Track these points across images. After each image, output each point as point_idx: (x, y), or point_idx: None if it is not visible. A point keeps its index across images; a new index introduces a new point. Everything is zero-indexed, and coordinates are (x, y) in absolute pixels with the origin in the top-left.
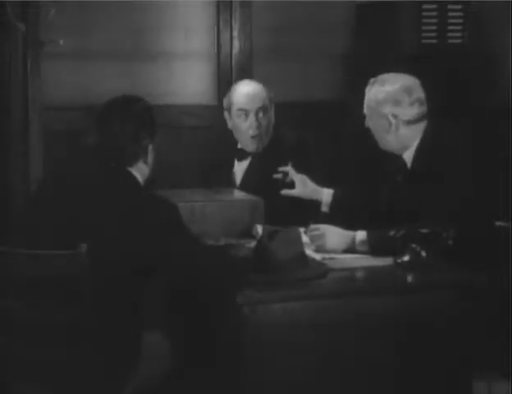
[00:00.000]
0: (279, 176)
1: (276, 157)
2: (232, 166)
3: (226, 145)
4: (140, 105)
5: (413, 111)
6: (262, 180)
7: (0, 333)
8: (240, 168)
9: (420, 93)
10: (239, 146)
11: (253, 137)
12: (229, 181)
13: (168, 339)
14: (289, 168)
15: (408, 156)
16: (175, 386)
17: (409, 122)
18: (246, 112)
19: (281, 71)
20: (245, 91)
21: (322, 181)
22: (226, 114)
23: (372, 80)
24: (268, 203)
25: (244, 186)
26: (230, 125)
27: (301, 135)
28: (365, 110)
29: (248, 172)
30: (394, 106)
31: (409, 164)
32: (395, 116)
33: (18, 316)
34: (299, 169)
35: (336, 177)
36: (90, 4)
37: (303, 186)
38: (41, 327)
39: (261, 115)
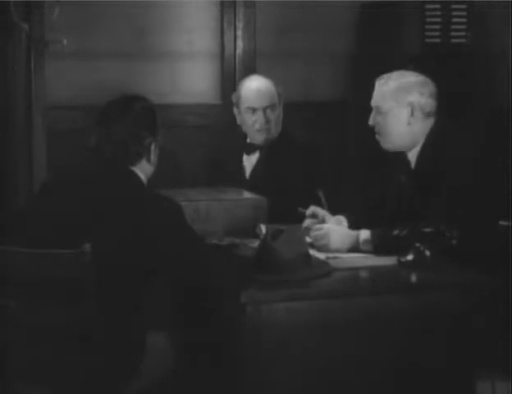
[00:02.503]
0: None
1: (285, 154)
2: (237, 165)
3: (234, 140)
4: (141, 104)
5: (432, 103)
6: (271, 176)
7: (0, 333)
8: (248, 163)
9: (434, 88)
10: (248, 140)
11: (259, 130)
12: (233, 180)
13: (170, 339)
14: (323, 212)
15: (412, 155)
16: (176, 386)
17: (429, 114)
18: (254, 110)
19: (284, 71)
20: (254, 88)
21: (328, 183)
22: (234, 109)
23: (384, 75)
24: (275, 198)
25: (252, 181)
26: (238, 120)
27: (312, 136)
28: (378, 103)
29: (257, 167)
30: (419, 94)
31: (413, 164)
32: (419, 105)
33: (19, 316)
34: (309, 170)
35: (340, 179)
36: (94, 4)
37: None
38: (43, 327)
39: (269, 112)
